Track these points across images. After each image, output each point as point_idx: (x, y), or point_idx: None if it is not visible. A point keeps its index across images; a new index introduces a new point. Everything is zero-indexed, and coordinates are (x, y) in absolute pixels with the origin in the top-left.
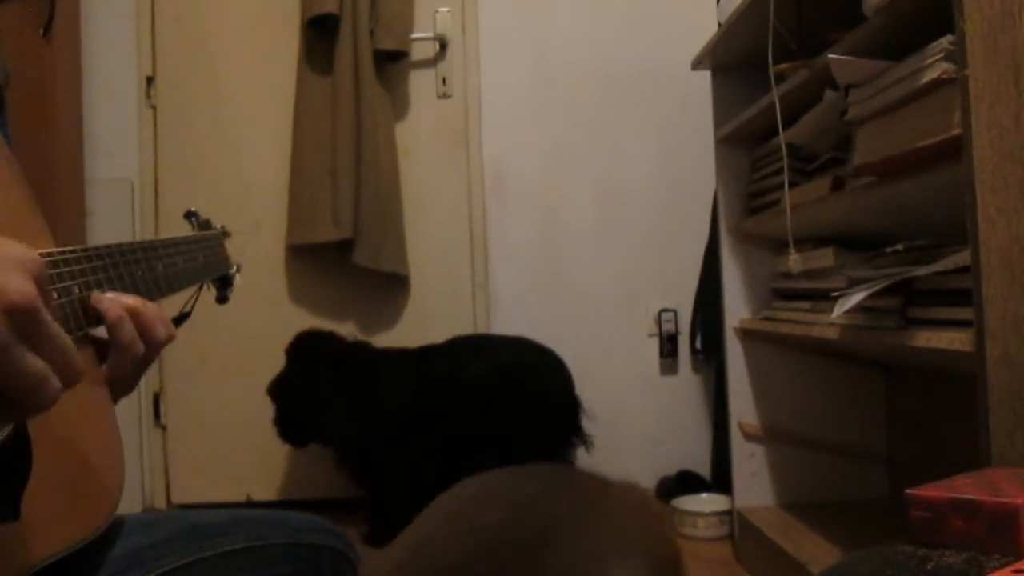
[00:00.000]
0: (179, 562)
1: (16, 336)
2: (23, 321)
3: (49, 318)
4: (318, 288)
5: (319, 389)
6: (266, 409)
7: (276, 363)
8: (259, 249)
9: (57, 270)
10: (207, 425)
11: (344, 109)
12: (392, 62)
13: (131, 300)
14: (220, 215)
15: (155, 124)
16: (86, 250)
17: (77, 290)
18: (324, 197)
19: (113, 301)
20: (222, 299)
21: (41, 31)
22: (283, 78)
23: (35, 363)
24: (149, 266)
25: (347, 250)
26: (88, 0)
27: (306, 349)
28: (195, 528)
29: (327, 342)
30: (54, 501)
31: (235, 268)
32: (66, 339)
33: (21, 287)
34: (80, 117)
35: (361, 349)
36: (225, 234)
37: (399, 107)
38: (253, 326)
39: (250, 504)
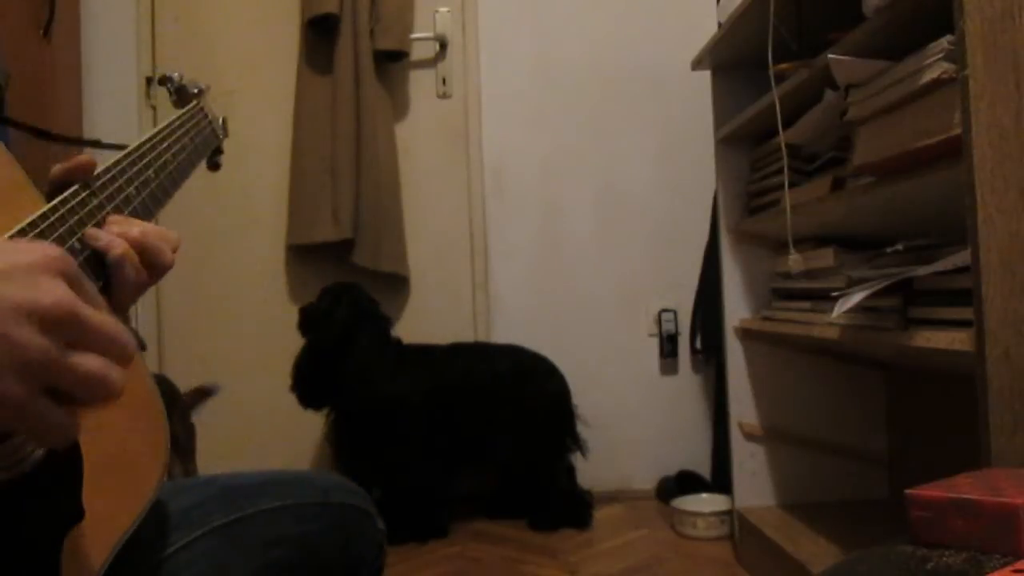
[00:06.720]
0: (223, 519)
1: (62, 343)
2: (64, 327)
3: (90, 312)
4: (318, 288)
5: (371, 343)
6: (265, 409)
7: (276, 363)
8: (259, 249)
9: (66, 225)
10: (207, 425)
11: (344, 109)
12: (392, 62)
13: (134, 231)
14: (220, 215)
15: (155, 124)
16: (76, 193)
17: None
18: (324, 197)
19: (110, 236)
20: (214, 166)
21: (41, 31)
22: (283, 78)
23: (91, 362)
24: (142, 181)
25: (347, 250)
26: (88, 0)
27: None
28: (231, 489)
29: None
30: (107, 484)
31: (223, 132)
32: (115, 325)
33: (52, 293)
34: (80, 117)
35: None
36: (203, 91)
37: (399, 107)
38: (253, 326)
39: None
